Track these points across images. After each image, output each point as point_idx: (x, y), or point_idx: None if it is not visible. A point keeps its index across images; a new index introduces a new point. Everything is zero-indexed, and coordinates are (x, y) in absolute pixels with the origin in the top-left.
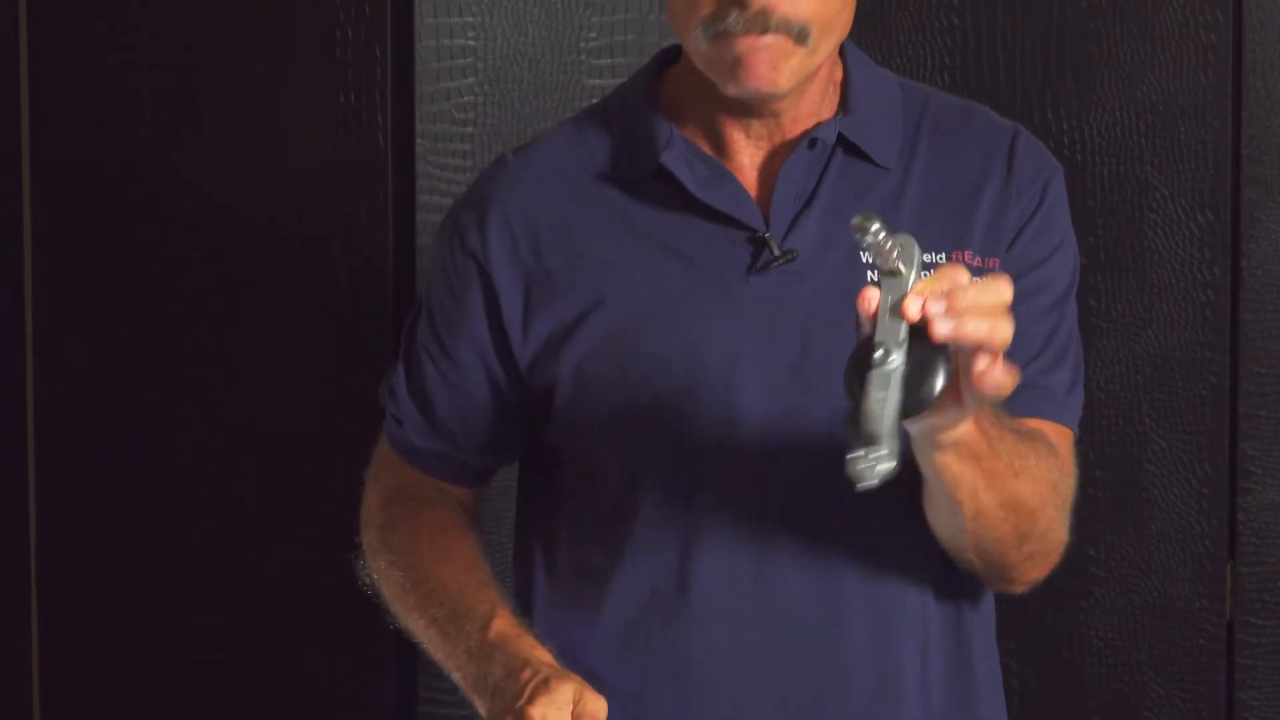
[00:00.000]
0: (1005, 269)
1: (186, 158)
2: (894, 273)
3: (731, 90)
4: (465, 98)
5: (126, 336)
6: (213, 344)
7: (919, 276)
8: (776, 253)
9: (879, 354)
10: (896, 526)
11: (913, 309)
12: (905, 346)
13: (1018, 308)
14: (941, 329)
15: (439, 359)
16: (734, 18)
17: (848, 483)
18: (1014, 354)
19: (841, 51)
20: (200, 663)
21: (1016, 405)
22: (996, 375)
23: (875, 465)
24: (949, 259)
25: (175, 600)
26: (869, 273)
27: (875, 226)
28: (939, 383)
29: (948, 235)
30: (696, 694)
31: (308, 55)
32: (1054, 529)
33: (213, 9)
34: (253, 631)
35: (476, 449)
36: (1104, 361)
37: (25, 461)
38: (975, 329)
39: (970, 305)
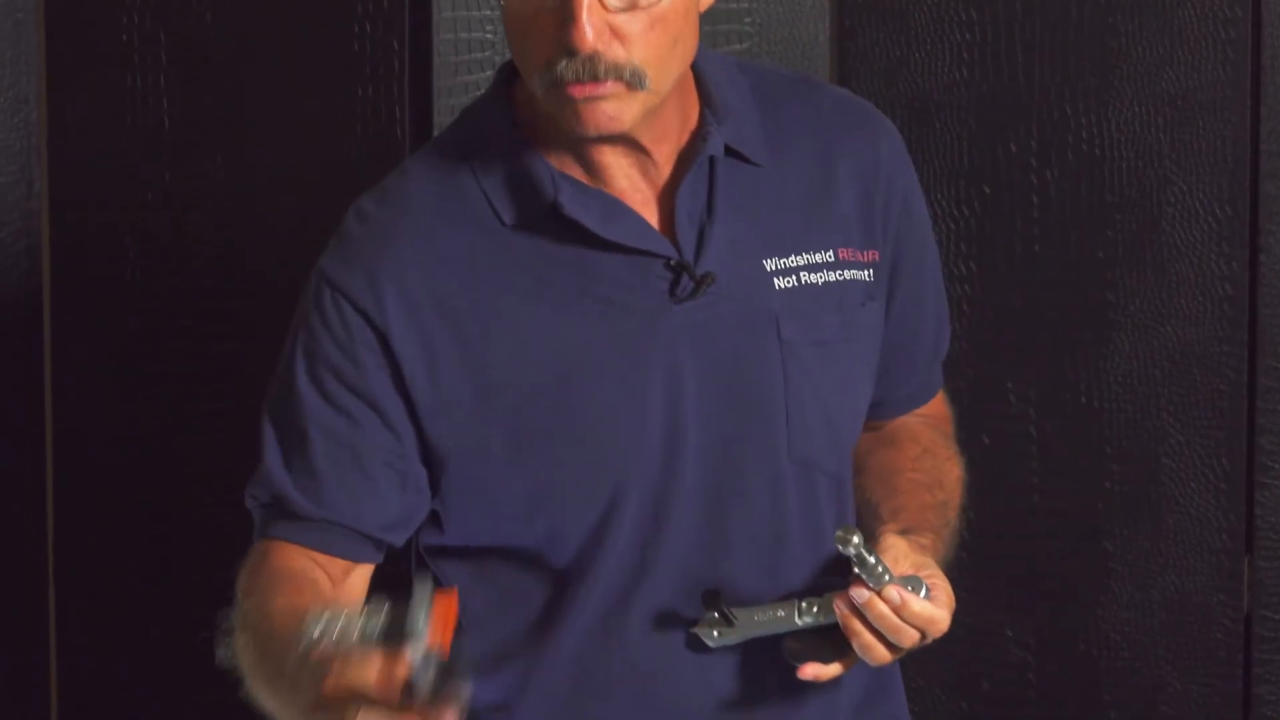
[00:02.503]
0: (900, 275)
1: (203, 152)
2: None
3: (575, 134)
4: (483, 91)
5: (142, 333)
6: (228, 340)
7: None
8: (695, 278)
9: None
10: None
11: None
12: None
13: (918, 309)
14: (852, 624)
15: (331, 420)
16: (564, 65)
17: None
18: (914, 350)
19: None
20: (212, 663)
21: (913, 402)
22: (816, 673)
23: (711, 637)
24: (836, 258)
25: (190, 601)
26: (774, 279)
27: (856, 539)
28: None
29: (828, 232)
30: (651, 710)
31: (325, 49)
32: (960, 496)
33: (229, 2)
34: None
35: (367, 523)
36: (1121, 356)
37: (44, 464)
38: (866, 642)
39: (890, 629)
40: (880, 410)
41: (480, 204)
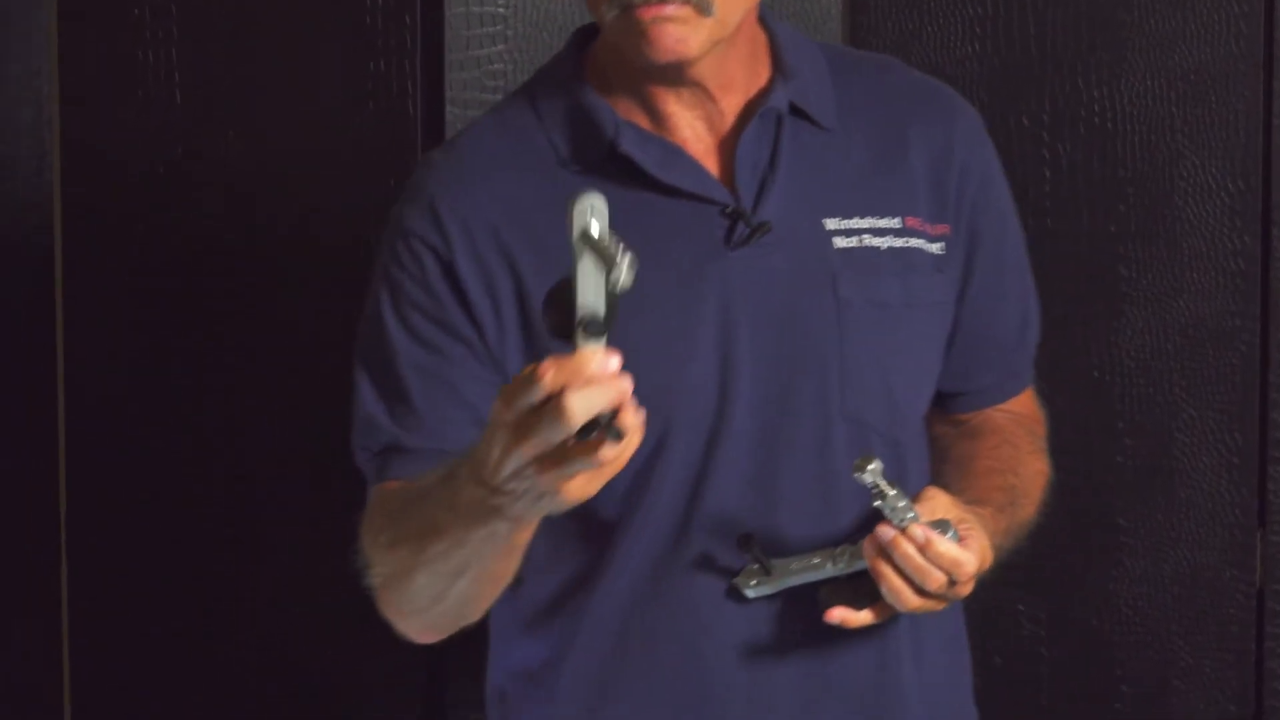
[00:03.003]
0: (976, 256)
1: (215, 128)
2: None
3: (642, 61)
4: (495, 65)
5: (156, 307)
6: (240, 316)
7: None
8: (751, 226)
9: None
10: None
11: (887, 536)
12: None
13: (997, 295)
14: (879, 566)
15: (422, 358)
16: None
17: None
18: (994, 339)
19: (761, 16)
20: (226, 658)
21: (996, 395)
22: (846, 621)
23: (750, 586)
24: (903, 225)
25: (202, 593)
26: (834, 238)
27: (873, 465)
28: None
29: (895, 199)
30: (699, 659)
31: (337, 23)
32: (1040, 499)
33: None
34: (282, 626)
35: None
36: (1134, 331)
37: (55, 452)
38: (894, 585)
39: (915, 569)
40: (962, 401)
41: (543, 146)
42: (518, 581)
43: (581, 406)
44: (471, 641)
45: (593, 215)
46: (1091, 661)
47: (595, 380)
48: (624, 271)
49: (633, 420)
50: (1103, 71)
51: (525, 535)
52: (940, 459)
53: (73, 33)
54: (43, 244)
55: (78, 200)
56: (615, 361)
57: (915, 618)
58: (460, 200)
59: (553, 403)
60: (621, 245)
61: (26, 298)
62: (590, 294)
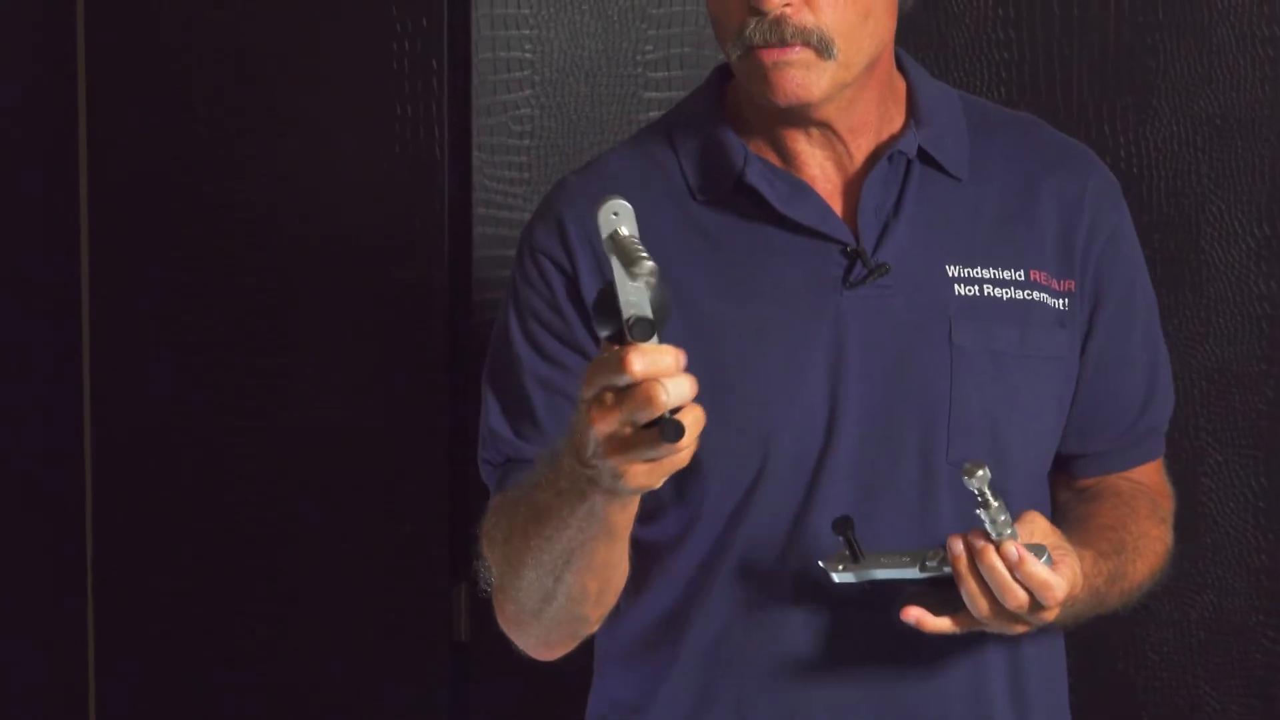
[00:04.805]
0: (1099, 315)
1: (243, 169)
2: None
3: (766, 104)
4: (522, 110)
5: (184, 347)
6: (268, 354)
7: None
8: (870, 266)
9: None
10: None
11: (978, 544)
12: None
13: (1122, 357)
14: (960, 567)
15: (546, 371)
16: (753, 28)
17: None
18: (1116, 403)
19: (901, 63)
20: (250, 671)
21: (1116, 462)
22: (922, 622)
23: (836, 570)
24: (1026, 278)
25: (227, 605)
26: (955, 285)
27: (981, 473)
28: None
29: (1022, 252)
30: (790, 696)
31: (365, 68)
32: (1156, 564)
33: (270, 21)
34: (304, 638)
35: None
36: None
37: (82, 469)
38: (972, 590)
39: (999, 582)
40: (1082, 465)
41: (674, 174)
42: (615, 611)
43: (673, 393)
44: (495, 668)
45: (618, 218)
46: (1117, 705)
47: (670, 373)
48: (645, 273)
49: (695, 418)
50: (1128, 117)
51: (623, 520)
52: (1059, 521)
53: (102, 68)
54: (70, 283)
55: (107, 238)
56: (682, 359)
57: (1017, 665)
58: (587, 218)
59: (641, 388)
60: (643, 250)
61: (53, 318)
62: (632, 294)
